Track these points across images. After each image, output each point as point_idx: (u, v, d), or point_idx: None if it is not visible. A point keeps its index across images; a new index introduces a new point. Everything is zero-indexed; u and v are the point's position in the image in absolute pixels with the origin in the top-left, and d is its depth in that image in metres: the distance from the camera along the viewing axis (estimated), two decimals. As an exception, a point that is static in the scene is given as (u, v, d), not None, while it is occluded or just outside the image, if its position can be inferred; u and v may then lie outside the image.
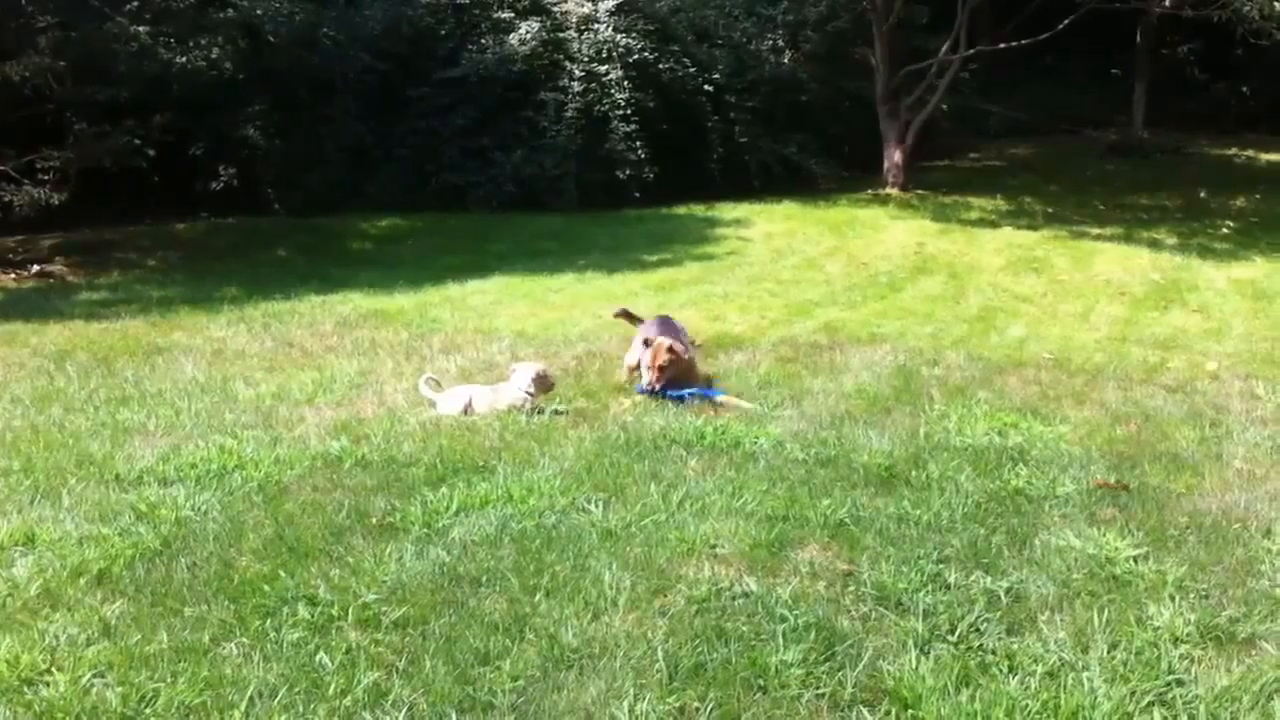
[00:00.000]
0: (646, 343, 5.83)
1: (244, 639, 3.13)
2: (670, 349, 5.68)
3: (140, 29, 10.96)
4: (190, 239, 12.90)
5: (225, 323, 7.96)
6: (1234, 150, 20.30)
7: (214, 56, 11.95)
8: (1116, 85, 21.51)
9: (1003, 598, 3.39)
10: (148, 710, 2.80)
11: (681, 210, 14.32)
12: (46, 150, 11.14)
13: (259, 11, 12.64)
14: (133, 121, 11.19)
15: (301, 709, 2.80)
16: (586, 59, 14.79)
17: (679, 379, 5.70)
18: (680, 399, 5.57)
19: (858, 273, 10.62)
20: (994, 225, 13.45)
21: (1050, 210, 14.52)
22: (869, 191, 15.73)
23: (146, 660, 3.01)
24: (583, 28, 15.08)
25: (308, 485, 4.35)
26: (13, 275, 10.66)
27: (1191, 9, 14.89)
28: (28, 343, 7.32)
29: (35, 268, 10.92)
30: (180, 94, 12.09)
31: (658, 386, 5.65)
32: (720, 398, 5.68)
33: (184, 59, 11.57)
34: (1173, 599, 3.37)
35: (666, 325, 6.16)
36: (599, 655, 3.04)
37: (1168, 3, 16.21)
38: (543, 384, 5.47)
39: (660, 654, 3.03)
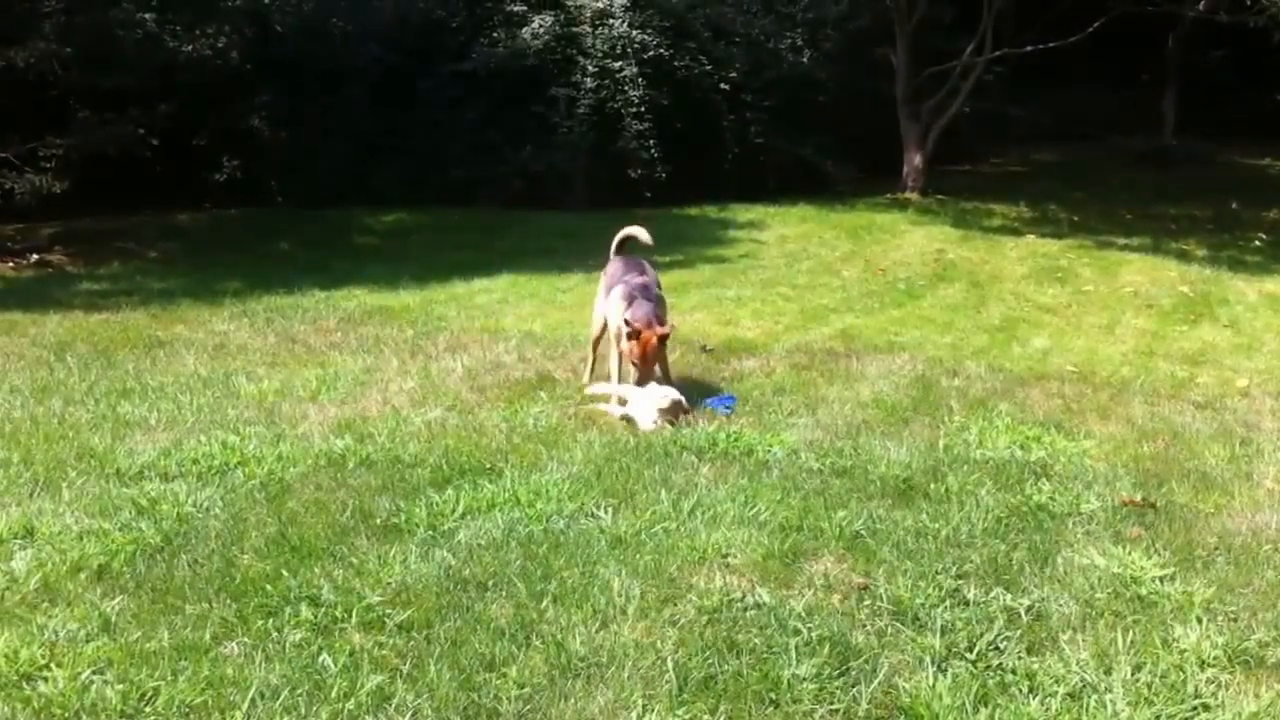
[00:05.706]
0: (626, 322, 5.30)
1: (246, 639, 3.08)
2: (661, 337, 5.24)
3: (146, 16, 10.87)
4: (193, 230, 12.79)
5: (227, 316, 7.89)
6: (1267, 160, 19.78)
7: (221, 45, 11.86)
8: (1146, 91, 20.95)
9: (1023, 615, 3.31)
10: (147, 709, 2.76)
11: (694, 211, 14.21)
12: (49, 137, 11.04)
13: (267, 0, 12.53)
14: (137, 110, 11.08)
15: (304, 711, 2.75)
16: (600, 55, 14.69)
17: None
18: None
19: (875, 279, 10.49)
20: (1017, 233, 13.24)
21: (1075, 218, 14.25)
22: (888, 195, 15.57)
23: (147, 658, 2.97)
24: (597, 23, 14.97)
25: (311, 484, 4.29)
26: (11, 264, 10.57)
27: (1226, 14, 14.56)
28: (26, 333, 7.25)
29: (34, 256, 10.81)
30: (185, 83, 11.94)
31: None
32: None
33: (190, 47, 11.49)
34: (1200, 621, 3.29)
35: (633, 267, 5.67)
36: (607, 664, 2.97)
37: (1201, 6, 15.81)
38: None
39: (670, 664, 2.96)
